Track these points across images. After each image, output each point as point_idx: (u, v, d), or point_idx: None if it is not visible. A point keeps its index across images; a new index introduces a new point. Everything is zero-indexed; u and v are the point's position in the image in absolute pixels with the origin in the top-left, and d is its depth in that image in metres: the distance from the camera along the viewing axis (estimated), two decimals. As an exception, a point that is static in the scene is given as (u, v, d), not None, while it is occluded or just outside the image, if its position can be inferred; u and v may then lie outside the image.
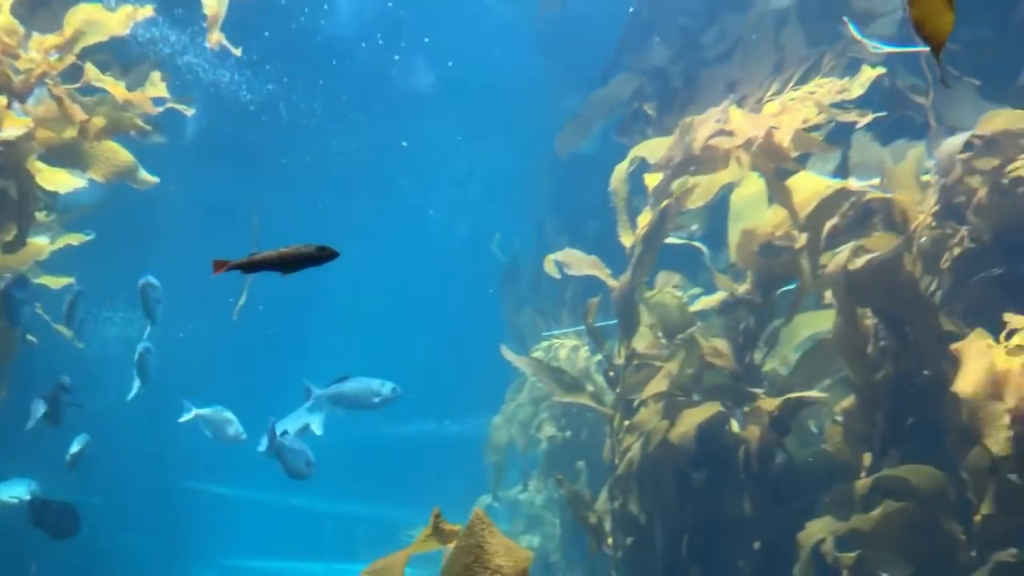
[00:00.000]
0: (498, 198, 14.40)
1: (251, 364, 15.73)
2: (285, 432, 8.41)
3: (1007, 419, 4.81)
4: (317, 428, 8.86)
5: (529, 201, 12.23)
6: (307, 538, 17.10)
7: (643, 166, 6.87)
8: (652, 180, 6.61)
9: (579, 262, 6.91)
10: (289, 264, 3.48)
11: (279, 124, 13.65)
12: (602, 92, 9.68)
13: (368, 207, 16.02)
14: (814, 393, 6.12)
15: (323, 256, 3.48)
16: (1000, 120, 5.69)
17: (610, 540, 6.44)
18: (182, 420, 9.32)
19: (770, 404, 6.10)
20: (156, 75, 7.12)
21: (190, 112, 7.37)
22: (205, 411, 9.30)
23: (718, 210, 6.89)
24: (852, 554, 5.44)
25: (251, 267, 3.50)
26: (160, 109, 7.17)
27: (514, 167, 13.18)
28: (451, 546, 3.50)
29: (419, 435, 16.98)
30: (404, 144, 15.58)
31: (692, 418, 6.19)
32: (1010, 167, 5.71)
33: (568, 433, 9.64)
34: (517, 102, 13.24)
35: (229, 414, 9.30)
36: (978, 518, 5.08)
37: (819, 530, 5.60)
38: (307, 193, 15.18)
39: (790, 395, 6.10)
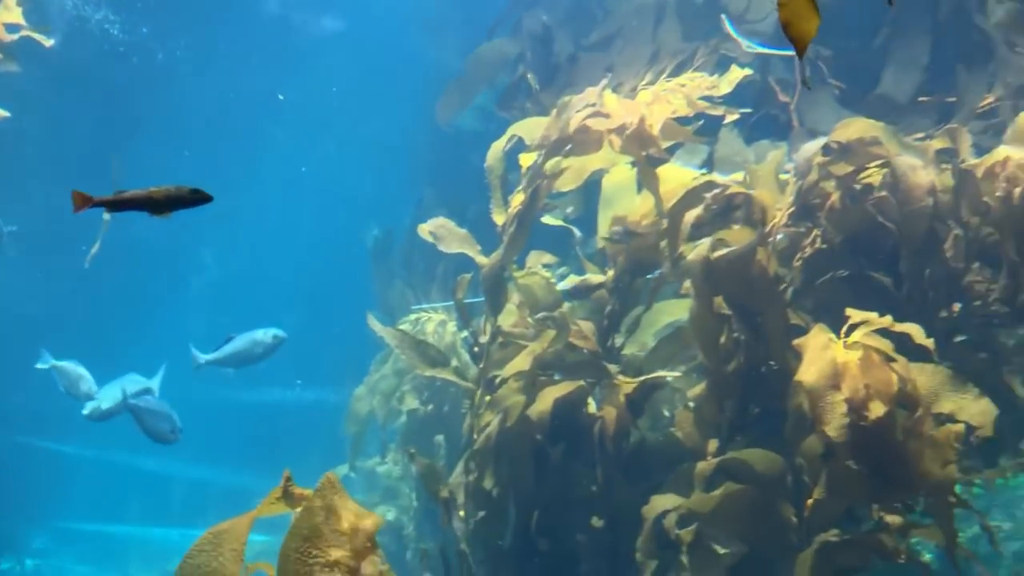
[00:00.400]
0: (378, 163, 14.12)
1: (101, 318, 14.97)
2: (146, 391, 8.14)
3: (844, 408, 5.11)
4: (156, 388, 8.65)
5: (409, 170, 12.03)
6: (155, 502, 16.47)
7: (522, 144, 6.89)
8: (527, 160, 6.64)
9: (450, 235, 6.86)
10: (159, 205, 3.22)
11: (151, 66, 12.99)
12: (483, 52, 9.44)
13: (238, 160, 15.40)
14: (668, 373, 6.31)
15: (195, 199, 3.24)
16: (855, 128, 5.98)
17: (462, 513, 6.48)
18: (39, 367, 8.99)
19: (627, 385, 6.26)
20: (10, -1, 6.63)
21: (48, 43, 6.90)
22: (62, 364, 8.97)
23: (593, 193, 7.00)
24: (691, 528, 5.67)
25: (117, 205, 3.23)
26: (14, 36, 6.68)
27: (396, 132, 12.89)
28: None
29: (280, 402, 16.63)
30: (281, 97, 15.08)
31: (551, 395, 6.29)
32: (862, 174, 6.03)
33: (430, 407, 9.63)
34: (402, 61, 12.88)
35: (83, 370, 9.01)
36: (810, 502, 5.37)
37: (662, 504, 5.80)
38: (176, 140, 14.46)
39: (646, 376, 6.28)
